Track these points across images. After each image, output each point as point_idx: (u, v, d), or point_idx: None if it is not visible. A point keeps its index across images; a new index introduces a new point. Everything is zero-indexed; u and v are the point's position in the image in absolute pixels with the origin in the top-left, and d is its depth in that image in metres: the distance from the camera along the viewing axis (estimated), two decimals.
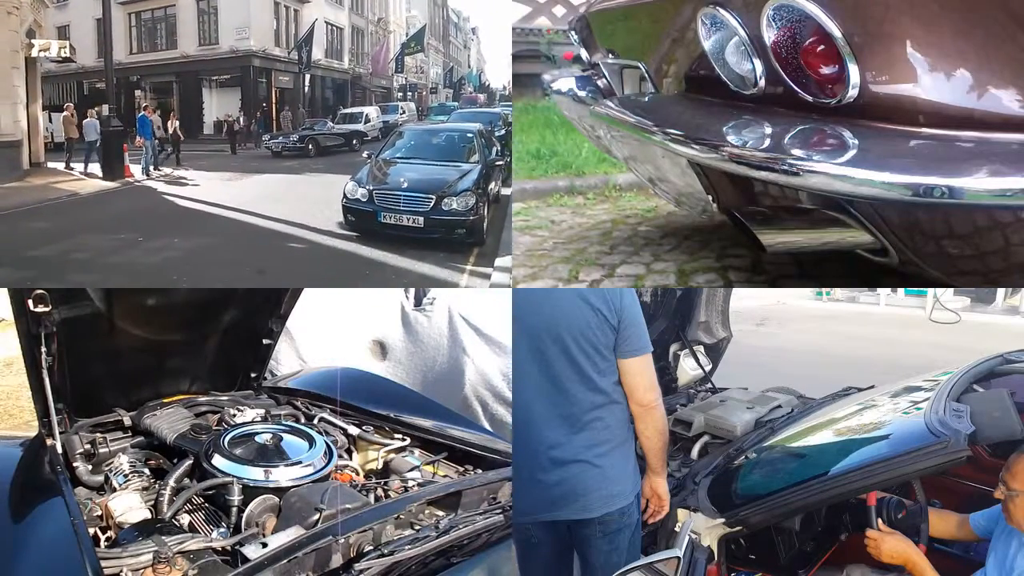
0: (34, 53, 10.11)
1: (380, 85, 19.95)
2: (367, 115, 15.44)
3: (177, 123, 13.30)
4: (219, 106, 15.42)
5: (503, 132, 11.17)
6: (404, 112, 17.16)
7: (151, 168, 10.72)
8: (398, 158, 7.47)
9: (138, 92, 15.71)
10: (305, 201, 8.17)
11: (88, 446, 2.60)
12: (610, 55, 3.13)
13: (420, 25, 21.20)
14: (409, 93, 20.25)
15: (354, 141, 13.83)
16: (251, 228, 7.23)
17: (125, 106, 14.19)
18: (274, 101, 15.90)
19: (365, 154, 8.00)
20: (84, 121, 11.28)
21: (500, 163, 8.04)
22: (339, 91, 18.57)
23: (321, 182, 9.70)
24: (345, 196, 6.61)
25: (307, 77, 16.45)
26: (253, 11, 15.20)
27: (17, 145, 9.80)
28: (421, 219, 6.23)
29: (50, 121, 12.55)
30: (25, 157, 10.01)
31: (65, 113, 11.26)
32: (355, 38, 19.11)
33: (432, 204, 6.23)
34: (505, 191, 8.20)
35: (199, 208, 8.23)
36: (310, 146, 13.29)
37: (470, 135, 7.87)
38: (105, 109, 10.42)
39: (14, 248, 6.28)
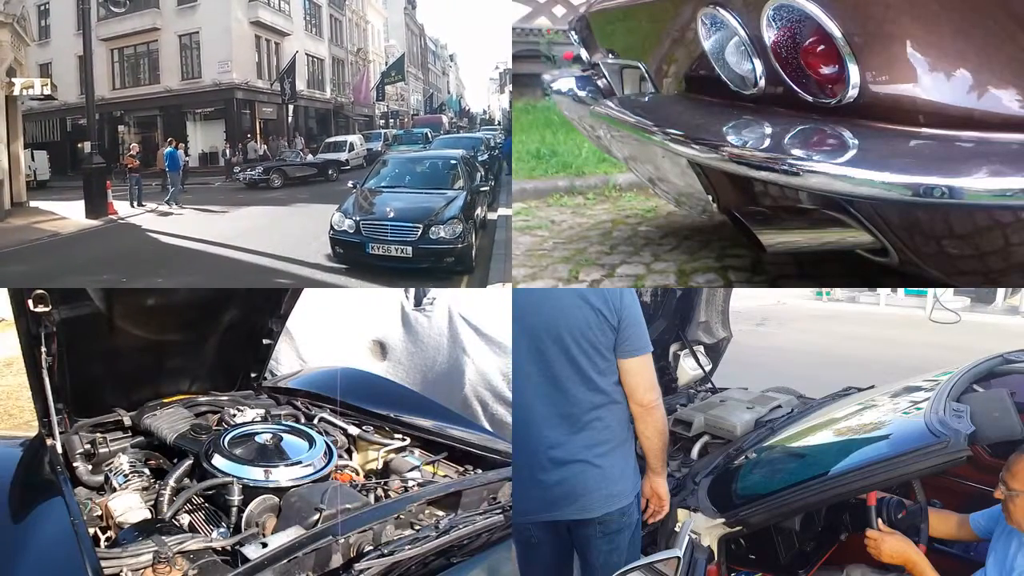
0: (15, 91, 10.05)
1: (362, 113, 20.16)
2: (351, 143, 15.44)
3: (265, 147, 13.47)
4: (204, 139, 15.47)
5: (486, 157, 11.19)
6: (388, 140, 17.19)
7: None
8: (383, 187, 7.39)
9: (121, 127, 15.81)
10: (293, 233, 8.04)
11: (88, 446, 2.60)
12: (610, 55, 3.13)
13: (399, 54, 21.44)
14: (391, 120, 20.43)
15: (330, 171, 13.56)
16: (238, 264, 7.06)
17: (109, 141, 14.29)
18: (259, 132, 15.96)
19: (350, 183, 7.92)
20: (166, 151, 11.57)
21: (485, 188, 7.99)
22: (322, 121, 18.73)
23: (308, 213, 9.50)
24: (332, 228, 6.49)
25: (291, 108, 16.60)
26: (235, 45, 15.30)
27: None
28: (409, 249, 6.12)
29: (32, 159, 12.63)
30: (7, 197, 9.88)
31: (131, 153, 11.53)
32: (336, 68, 19.33)
33: (420, 233, 6.13)
34: (491, 216, 8.23)
35: (185, 245, 8.05)
36: (274, 177, 12.92)
37: (453, 161, 7.82)
38: (88, 146, 10.37)
39: None
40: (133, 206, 10.63)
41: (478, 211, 7.27)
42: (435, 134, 16.48)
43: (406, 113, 21.72)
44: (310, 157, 14.53)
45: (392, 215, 6.39)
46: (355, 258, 6.38)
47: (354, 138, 16.08)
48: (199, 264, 7.23)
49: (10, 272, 7.02)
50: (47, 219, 9.67)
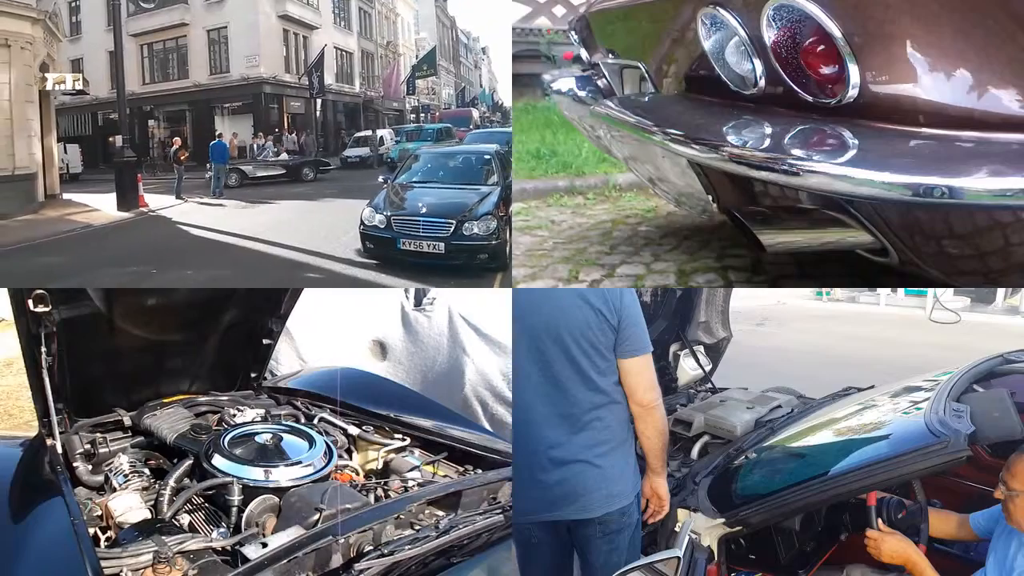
0: (48, 86, 10.33)
1: (392, 108, 19.88)
2: (382, 137, 15.30)
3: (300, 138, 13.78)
4: (232, 133, 15.60)
5: None
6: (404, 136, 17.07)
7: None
8: (415, 182, 7.22)
9: (151, 121, 16.06)
10: (322, 227, 7.99)
11: (88, 446, 2.61)
12: (610, 55, 3.13)
13: (430, 47, 21.09)
14: (423, 115, 20.09)
15: (304, 170, 13.07)
16: (268, 258, 7.01)
17: (139, 135, 14.56)
18: (287, 126, 15.96)
19: (381, 178, 7.77)
20: (212, 143, 11.65)
21: None
22: (351, 115, 18.65)
23: (339, 208, 9.47)
24: (363, 223, 6.36)
25: (319, 102, 16.53)
26: (262, 39, 15.44)
27: (32, 178, 9.88)
28: (442, 245, 5.97)
29: (65, 152, 12.95)
30: (40, 189, 10.10)
31: (174, 147, 11.77)
32: (365, 62, 19.23)
33: (452, 229, 5.97)
34: None
35: (214, 238, 8.04)
36: (232, 176, 12.29)
37: (487, 156, 7.57)
38: (119, 140, 10.58)
39: (26, 283, 6.13)
40: (180, 198, 10.75)
41: (512, 207, 7.20)
42: (465, 129, 16.05)
43: (437, 107, 21.30)
44: (284, 156, 14.13)
45: (424, 211, 6.23)
46: (386, 253, 6.24)
47: (384, 132, 15.96)
48: (229, 257, 7.17)
49: (45, 263, 7.03)
50: (79, 211, 9.85)
